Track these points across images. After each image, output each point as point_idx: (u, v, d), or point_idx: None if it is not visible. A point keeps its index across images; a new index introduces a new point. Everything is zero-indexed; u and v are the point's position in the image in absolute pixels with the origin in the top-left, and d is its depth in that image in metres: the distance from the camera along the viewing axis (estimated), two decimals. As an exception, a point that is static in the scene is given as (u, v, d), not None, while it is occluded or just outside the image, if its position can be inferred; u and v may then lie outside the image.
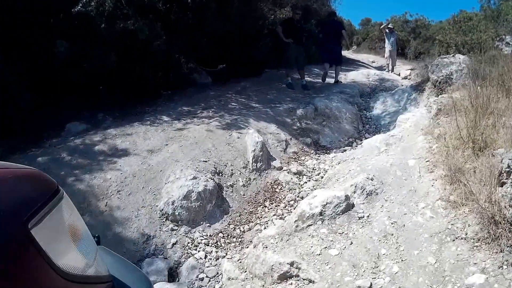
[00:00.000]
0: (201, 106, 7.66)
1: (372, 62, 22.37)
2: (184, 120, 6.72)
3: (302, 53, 10.15)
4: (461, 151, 4.12)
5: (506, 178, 3.04)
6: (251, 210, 4.95)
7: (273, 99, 8.81)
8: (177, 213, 4.38)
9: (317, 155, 6.55)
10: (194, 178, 4.68)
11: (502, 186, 3.04)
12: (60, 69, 6.79)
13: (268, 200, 5.17)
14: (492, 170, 3.28)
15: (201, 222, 4.51)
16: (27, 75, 6.45)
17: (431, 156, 4.58)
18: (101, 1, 6.49)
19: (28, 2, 6.28)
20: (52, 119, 6.88)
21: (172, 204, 4.40)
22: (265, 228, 4.52)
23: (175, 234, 4.32)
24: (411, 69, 14.70)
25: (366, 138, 7.32)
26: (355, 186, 4.26)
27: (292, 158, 6.29)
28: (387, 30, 15.85)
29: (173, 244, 4.23)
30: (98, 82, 7.45)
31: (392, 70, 15.86)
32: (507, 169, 3.03)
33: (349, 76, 13.41)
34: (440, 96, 6.56)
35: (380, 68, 17.96)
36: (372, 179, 4.31)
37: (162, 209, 4.41)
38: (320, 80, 11.45)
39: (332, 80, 11.24)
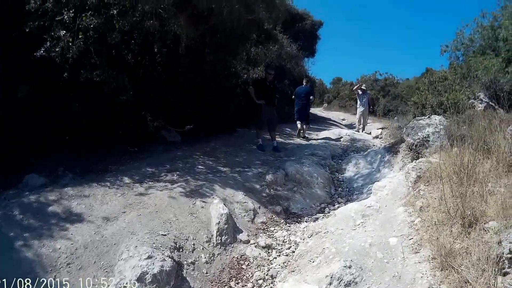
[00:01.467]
0: (166, 168, 7.33)
1: (343, 119, 23.25)
2: (146, 183, 6.37)
3: (274, 114, 10.19)
4: (448, 226, 3.93)
5: (509, 267, 2.85)
6: None
7: (242, 162, 8.61)
8: (128, 298, 3.98)
9: (287, 224, 6.29)
10: (149, 257, 4.27)
11: (504, 276, 2.85)
12: (21, 114, 6.45)
13: (233, 279, 4.78)
14: (488, 253, 3.08)
15: (157, 307, 4.10)
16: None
17: (414, 232, 4.35)
18: (66, 47, 6.20)
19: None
20: (13, 166, 6.44)
21: (124, 287, 3.98)
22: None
23: (125, 320, 3.89)
24: (382, 128, 15.00)
25: (339, 203, 7.31)
26: (331, 277, 3.94)
27: (260, 229, 6.00)
28: (359, 91, 16.19)
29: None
30: (60, 132, 7.06)
31: (363, 130, 16.14)
32: (509, 255, 2.83)
33: (320, 136, 13.54)
34: (417, 161, 6.42)
35: (350, 125, 18.49)
36: (350, 267, 4.00)
37: (114, 291, 4.00)
38: (291, 142, 11.81)
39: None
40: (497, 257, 2.90)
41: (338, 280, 3.90)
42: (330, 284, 3.90)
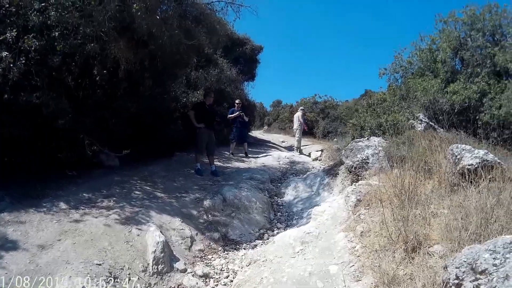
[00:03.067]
0: (103, 194, 7.25)
1: (282, 142, 23.57)
2: (82, 209, 6.29)
3: (213, 138, 10.38)
4: (391, 252, 3.85)
5: (457, 294, 2.65)
6: None
7: (180, 187, 8.64)
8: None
9: (225, 252, 6.33)
10: (84, 288, 4.28)
11: (453, 304, 2.67)
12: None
13: None
14: (434, 279, 3.01)
15: None
16: None
17: (355, 259, 4.29)
18: (7, 68, 6.06)
19: None
20: None
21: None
22: None
23: None
24: (321, 150, 15.37)
25: (278, 229, 7.40)
26: None
27: (198, 257, 6.02)
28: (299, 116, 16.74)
29: None
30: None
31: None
32: (456, 281, 2.70)
33: (259, 161, 13.75)
34: (357, 183, 6.44)
35: (290, 147, 18.74)
36: None
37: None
38: (230, 165, 12.02)
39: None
40: (443, 283, 2.79)
41: None
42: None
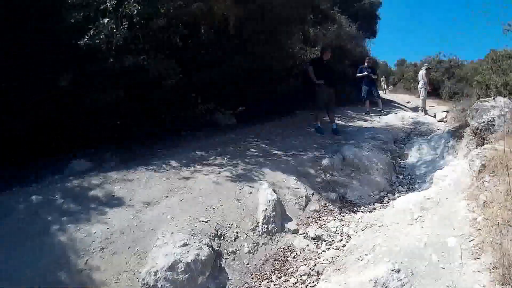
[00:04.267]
0: (217, 151, 7.08)
1: (408, 102, 22.48)
2: (193, 167, 6.15)
3: (333, 95, 9.76)
4: None
5: None
6: (253, 284, 4.17)
7: (298, 145, 8.21)
8: (159, 285, 3.70)
9: (341, 214, 5.77)
10: (185, 245, 4.03)
11: None
12: (64, 102, 6.45)
13: (276, 272, 4.38)
14: None
15: (189, 297, 3.82)
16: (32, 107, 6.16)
17: (475, 232, 3.74)
18: (110, 34, 6.14)
19: (34, 32, 6.00)
20: (60, 153, 6.52)
21: (155, 274, 3.74)
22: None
23: (156, 308, 3.65)
24: (447, 111, 14.32)
25: (399, 192, 6.76)
26: (375, 282, 3.38)
27: (312, 218, 5.54)
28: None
29: (150, 320, 3.58)
30: (106, 118, 7.01)
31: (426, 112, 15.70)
32: None
33: (383, 120, 13.04)
34: (482, 147, 5.69)
35: (415, 108, 17.71)
36: (398, 271, 3.44)
37: (144, 278, 3.75)
38: (352, 124, 11.51)
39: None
40: None
41: (382, 286, 3.38)
42: (374, 289, 3.39)
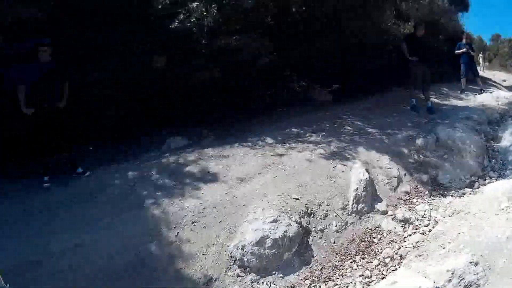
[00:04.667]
0: (312, 128, 7.02)
1: (503, 80, 20.70)
2: (288, 144, 6.16)
3: (427, 72, 9.27)
4: None
5: None
6: (336, 264, 4.13)
7: (393, 124, 7.90)
8: (246, 259, 3.81)
9: (431, 197, 5.54)
10: (274, 221, 4.06)
11: None
12: (158, 83, 6.72)
13: (361, 252, 4.30)
14: None
15: (273, 272, 3.87)
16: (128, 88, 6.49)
17: None
18: (200, 17, 6.30)
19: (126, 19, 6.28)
20: (157, 131, 6.85)
21: (242, 248, 3.85)
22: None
23: (240, 281, 3.75)
24: None
25: (490, 178, 6.35)
26: (452, 273, 3.25)
27: (401, 199, 5.36)
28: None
29: (234, 292, 3.67)
30: (199, 97, 7.22)
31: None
32: None
33: (477, 99, 12.08)
34: None
35: (511, 87, 16.25)
36: (476, 264, 3.27)
37: (232, 252, 3.87)
38: (447, 103, 10.92)
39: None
40: None
41: (458, 278, 3.22)
42: (449, 281, 3.24)
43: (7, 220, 4.24)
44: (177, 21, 6.30)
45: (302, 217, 4.39)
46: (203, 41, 6.46)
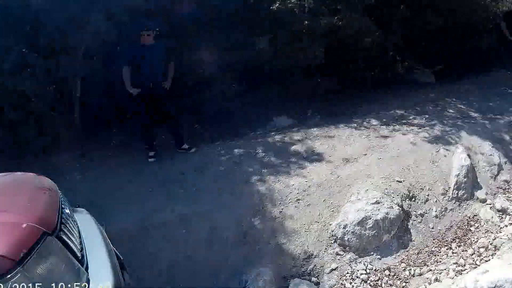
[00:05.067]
0: (416, 111, 6.94)
1: None
2: (392, 125, 6.18)
3: None
4: None
5: None
6: (432, 249, 4.21)
7: (495, 108, 7.47)
8: (346, 238, 4.02)
9: (533, 187, 5.31)
10: (377, 202, 4.21)
11: None
12: (262, 64, 6.94)
13: (457, 240, 4.32)
14: None
15: (371, 253, 4.05)
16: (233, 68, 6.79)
17: None
18: None
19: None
20: (263, 111, 7.12)
21: (344, 228, 4.05)
22: (435, 280, 3.78)
23: (338, 259, 3.97)
24: None
25: None
26: None
27: (501, 188, 5.19)
28: None
29: (332, 269, 3.90)
30: (303, 78, 7.41)
31: None
32: None
33: None
34: None
35: None
36: None
37: (333, 230, 4.09)
38: None
39: None
40: None
41: None
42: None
43: (113, 190, 4.70)
44: (278, 3, 6.44)
45: (403, 200, 4.48)
46: (305, 22, 6.56)
